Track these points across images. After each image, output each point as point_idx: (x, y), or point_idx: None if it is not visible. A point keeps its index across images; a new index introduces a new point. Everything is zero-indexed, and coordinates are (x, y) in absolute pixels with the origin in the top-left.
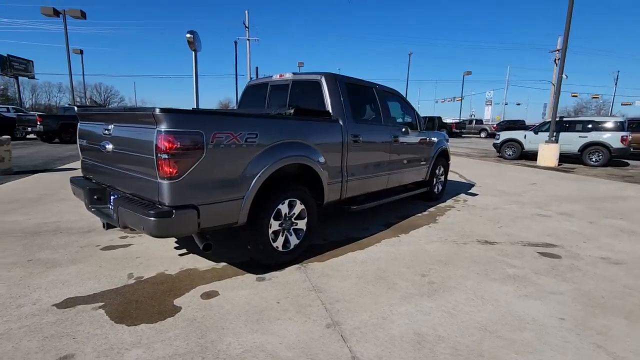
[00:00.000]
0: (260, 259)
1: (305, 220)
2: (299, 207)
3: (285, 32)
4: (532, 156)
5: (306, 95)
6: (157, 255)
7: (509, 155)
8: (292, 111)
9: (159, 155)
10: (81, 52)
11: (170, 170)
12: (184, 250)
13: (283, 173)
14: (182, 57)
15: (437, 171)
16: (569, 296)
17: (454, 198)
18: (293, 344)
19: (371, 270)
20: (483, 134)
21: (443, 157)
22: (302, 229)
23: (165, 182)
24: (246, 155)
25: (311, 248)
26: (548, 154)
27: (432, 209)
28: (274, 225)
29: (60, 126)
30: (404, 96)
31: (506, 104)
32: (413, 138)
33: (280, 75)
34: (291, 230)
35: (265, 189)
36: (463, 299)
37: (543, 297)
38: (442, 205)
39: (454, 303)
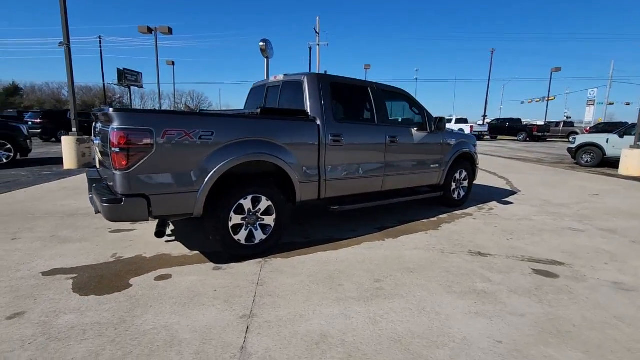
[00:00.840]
0: (223, 250)
1: (274, 216)
2: (265, 203)
3: (355, 34)
4: (615, 163)
5: (292, 96)
6: (148, 240)
7: (586, 162)
8: (258, 111)
9: (112, 149)
10: (173, 63)
11: (121, 162)
12: (172, 238)
13: (246, 169)
14: (259, 64)
15: (457, 175)
16: (530, 319)
17: (480, 205)
18: (198, 328)
19: (327, 271)
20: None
21: (466, 161)
22: (269, 225)
23: (117, 173)
24: (201, 152)
25: (287, 245)
26: (632, 161)
27: (444, 215)
28: (235, 219)
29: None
30: (412, 96)
31: (611, 104)
32: (419, 139)
33: (275, 77)
34: (257, 226)
35: (226, 183)
36: (400, 308)
37: (497, 316)
38: (459, 212)
39: (387, 311)
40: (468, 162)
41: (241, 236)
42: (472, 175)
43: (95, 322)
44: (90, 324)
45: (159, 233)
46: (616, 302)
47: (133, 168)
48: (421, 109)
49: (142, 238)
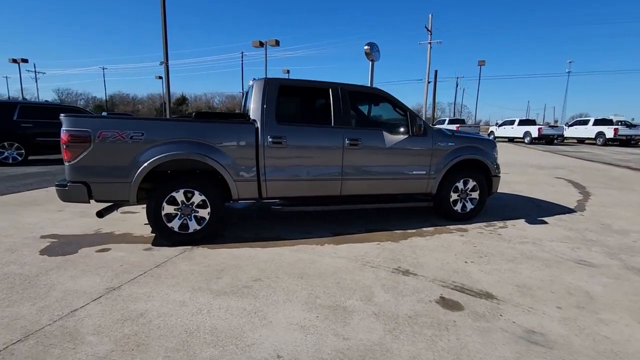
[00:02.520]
0: (157, 234)
1: (208, 210)
2: (198, 197)
3: (471, 29)
4: None
5: (250, 99)
6: (135, 222)
7: None
8: (193, 114)
9: (62, 145)
10: (288, 71)
11: (67, 156)
12: None
13: (179, 166)
14: (378, 67)
15: (459, 185)
16: (344, 346)
17: (494, 222)
18: (70, 288)
19: (227, 264)
20: None
21: (475, 170)
22: (204, 217)
23: (66, 165)
24: (132, 149)
25: (229, 237)
26: None
27: (429, 228)
28: (168, 208)
29: None
30: (393, 97)
31: None
32: (393, 143)
33: (250, 82)
34: (191, 217)
35: (161, 177)
36: (235, 307)
37: (320, 334)
38: (453, 226)
39: (220, 305)
40: (478, 171)
41: (174, 224)
42: (485, 186)
43: (21, 273)
44: (19, 274)
45: (99, 214)
46: (499, 349)
47: (75, 161)
48: (405, 111)
49: (131, 219)
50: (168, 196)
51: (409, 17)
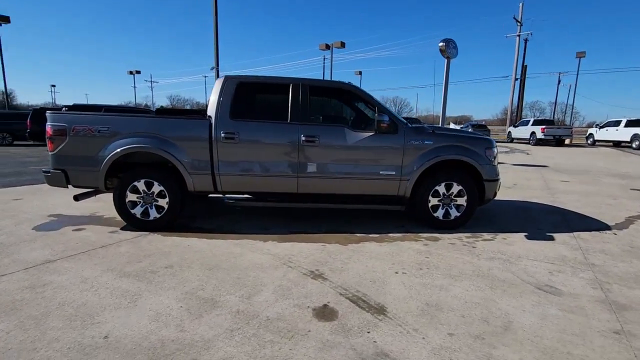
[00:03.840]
0: (123, 219)
1: (167, 199)
2: (157, 187)
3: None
4: None
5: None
6: None
7: None
8: (154, 110)
9: (46, 138)
10: (360, 73)
11: (50, 147)
12: None
13: (141, 158)
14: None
15: (439, 189)
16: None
17: (480, 233)
18: (16, 258)
19: (157, 251)
20: None
21: (461, 172)
22: (162, 206)
23: (50, 154)
24: (100, 142)
25: (192, 228)
26: None
27: (397, 234)
28: (131, 196)
29: None
30: (363, 93)
31: None
32: (356, 140)
33: None
34: (152, 205)
35: (126, 166)
36: (125, 286)
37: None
38: (425, 234)
39: (111, 286)
40: (464, 173)
41: (137, 211)
42: (474, 191)
43: (1, 242)
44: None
45: (75, 198)
46: None
47: (55, 151)
48: (374, 106)
49: None
50: (131, 185)
51: (494, 8)
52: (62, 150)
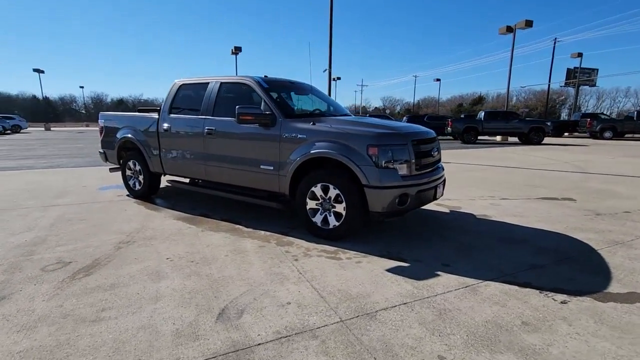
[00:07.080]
0: (127, 190)
1: (142, 176)
2: (137, 167)
3: None
4: None
5: None
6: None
7: None
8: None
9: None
10: (580, 55)
11: (100, 136)
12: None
13: (131, 145)
14: None
15: (315, 191)
16: None
17: (353, 253)
18: (50, 215)
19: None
20: None
21: (339, 172)
22: (140, 181)
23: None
24: (113, 133)
25: (175, 208)
26: None
27: (267, 233)
28: (127, 172)
29: (464, 129)
30: (255, 85)
31: None
32: (238, 132)
33: None
34: (139, 179)
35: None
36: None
37: None
38: (298, 241)
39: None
40: (342, 174)
41: (131, 183)
42: (354, 198)
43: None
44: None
45: (110, 170)
46: None
47: (100, 140)
48: (265, 97)
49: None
50: (126, 164)
51: None
52: (102, 139)
